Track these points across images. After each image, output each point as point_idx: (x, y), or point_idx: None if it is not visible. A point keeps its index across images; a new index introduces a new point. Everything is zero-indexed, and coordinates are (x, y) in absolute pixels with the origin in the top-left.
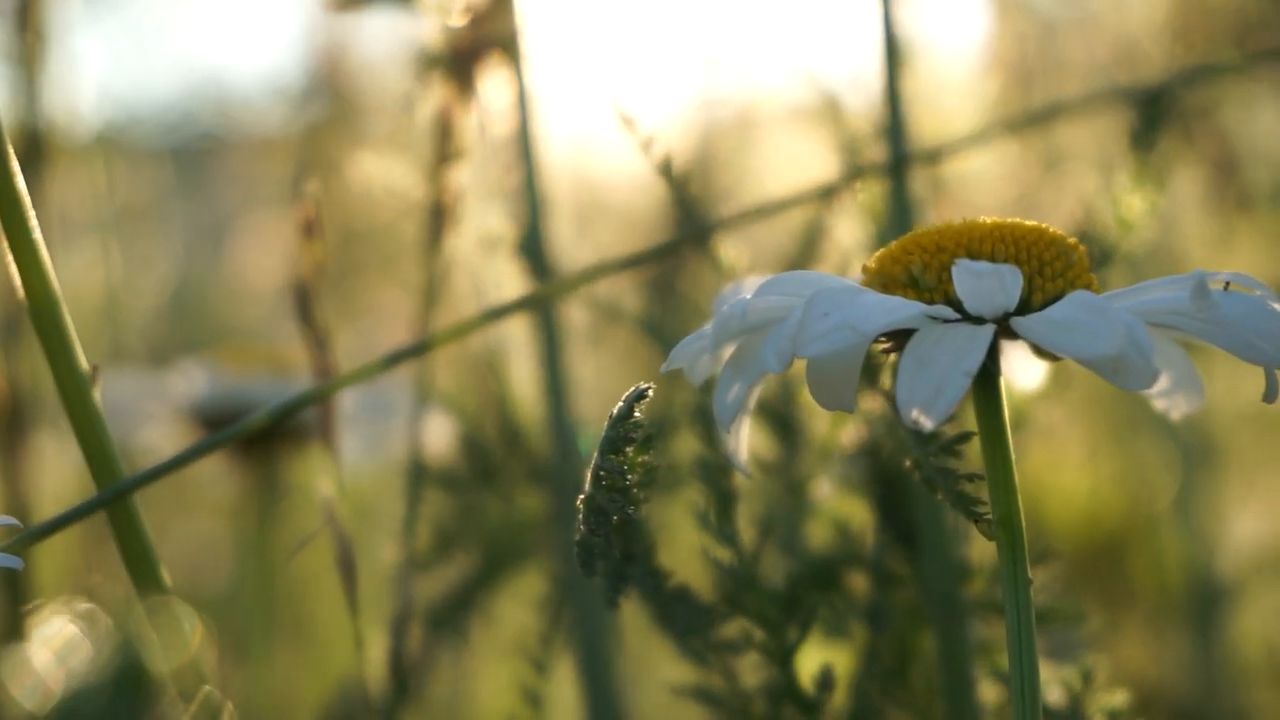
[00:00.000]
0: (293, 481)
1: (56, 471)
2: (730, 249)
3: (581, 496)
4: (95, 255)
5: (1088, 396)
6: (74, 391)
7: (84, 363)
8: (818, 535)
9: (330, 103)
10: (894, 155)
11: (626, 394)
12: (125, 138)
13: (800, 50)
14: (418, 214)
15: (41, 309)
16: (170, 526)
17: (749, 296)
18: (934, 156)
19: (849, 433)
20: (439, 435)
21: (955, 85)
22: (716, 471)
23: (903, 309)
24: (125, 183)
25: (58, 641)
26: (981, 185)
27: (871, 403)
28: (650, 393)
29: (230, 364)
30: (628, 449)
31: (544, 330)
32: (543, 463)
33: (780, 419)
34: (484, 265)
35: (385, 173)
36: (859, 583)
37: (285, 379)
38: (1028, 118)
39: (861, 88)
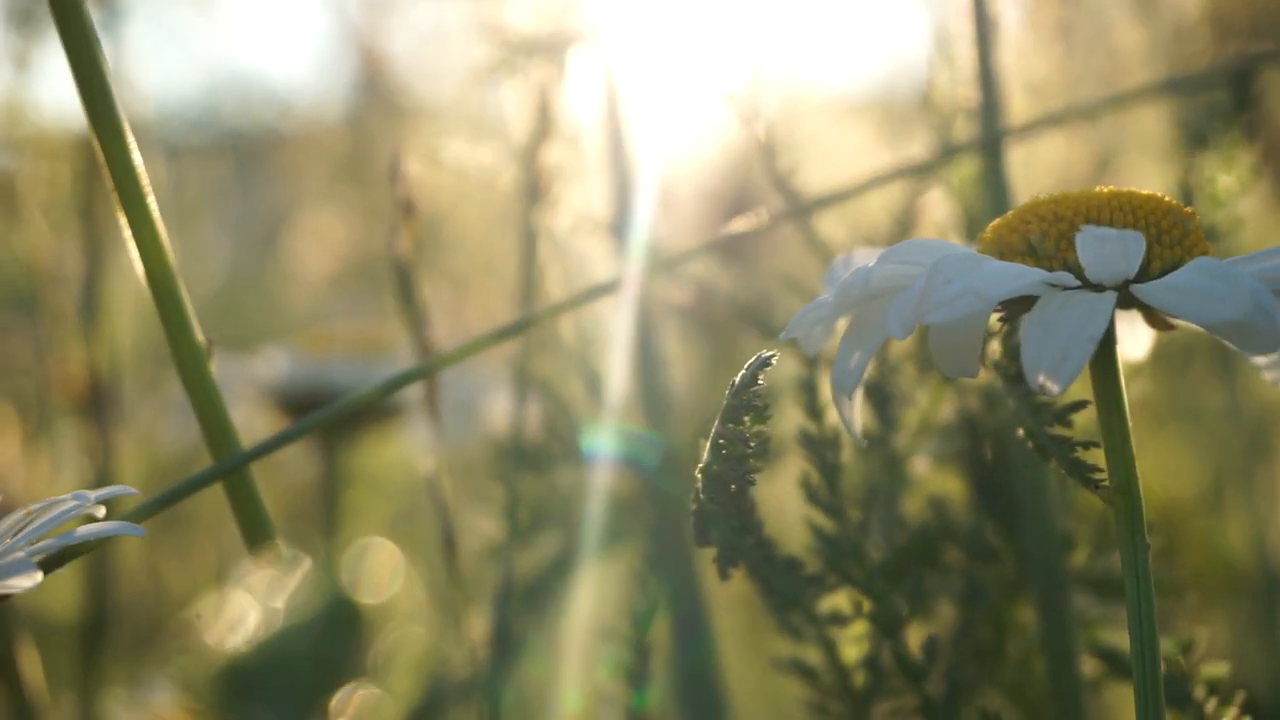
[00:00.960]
0: (363, 468)
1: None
2: (828, 226)
3: (700, 465)
4: None
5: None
6: (191, 363)
7: (200, 335)
8: (915, 511)
9: (374, 95)
10: (988, 132)
11: (749, 362)
12: (169, 135)
13: (848, 43)
14: (480, 203)
15: (159, 283)
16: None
17: (870, 264)
18: (1029, 133)
19: (946, 408)
20: (532, 416)
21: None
22: (821, 444)
23: (1026, 275)
24: (175, 177)
25: (261, 585)
26: (1037, 170)
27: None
28: (774, 361)
29: (309, 348)
30: (747, 417)
31: (635, 309)
32: (635, 442)
33: (878, 394)
34: (577, 245)
35: (473, 156)
36: (954, 558)
37: (364, 361)
38: (1111, 99)
39: (915, 74)
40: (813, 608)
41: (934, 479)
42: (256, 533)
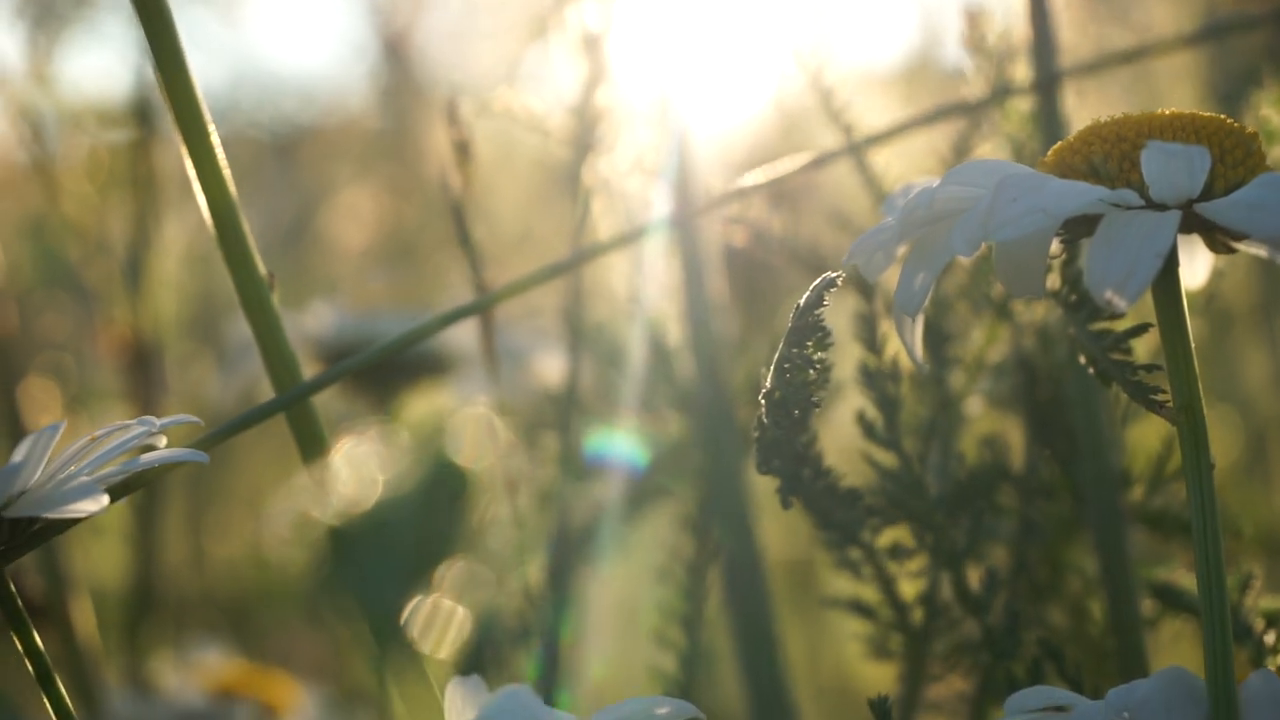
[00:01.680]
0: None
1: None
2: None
3: (763, 391)
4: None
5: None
6: (254, 298)
7: (262, 269)
8: (969, 451)
9: (401, 75)
10: (1043, 72)
11: (814, 283)
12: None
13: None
14: (514, 176)
15: (222, 217)
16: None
17: (935, 185)
18: (1084, 73)
19: (1000, 347)
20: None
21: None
22: (880, 377)
23: (1091, 191)
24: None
25: (361, 457)
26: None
27: (1025, 314)
28: (839, 282)
29: (354, 304)
30: (810, 342)
31: (685, 254)
32: (685, 387)
33: (932, 333)
34: (626, 193)
35: (523, 105)
36: (1008, 500)
37: (409, 315)
38: (1175, 40)
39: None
40: (872, 542)
41: (988, 418)
42: (320, 466)
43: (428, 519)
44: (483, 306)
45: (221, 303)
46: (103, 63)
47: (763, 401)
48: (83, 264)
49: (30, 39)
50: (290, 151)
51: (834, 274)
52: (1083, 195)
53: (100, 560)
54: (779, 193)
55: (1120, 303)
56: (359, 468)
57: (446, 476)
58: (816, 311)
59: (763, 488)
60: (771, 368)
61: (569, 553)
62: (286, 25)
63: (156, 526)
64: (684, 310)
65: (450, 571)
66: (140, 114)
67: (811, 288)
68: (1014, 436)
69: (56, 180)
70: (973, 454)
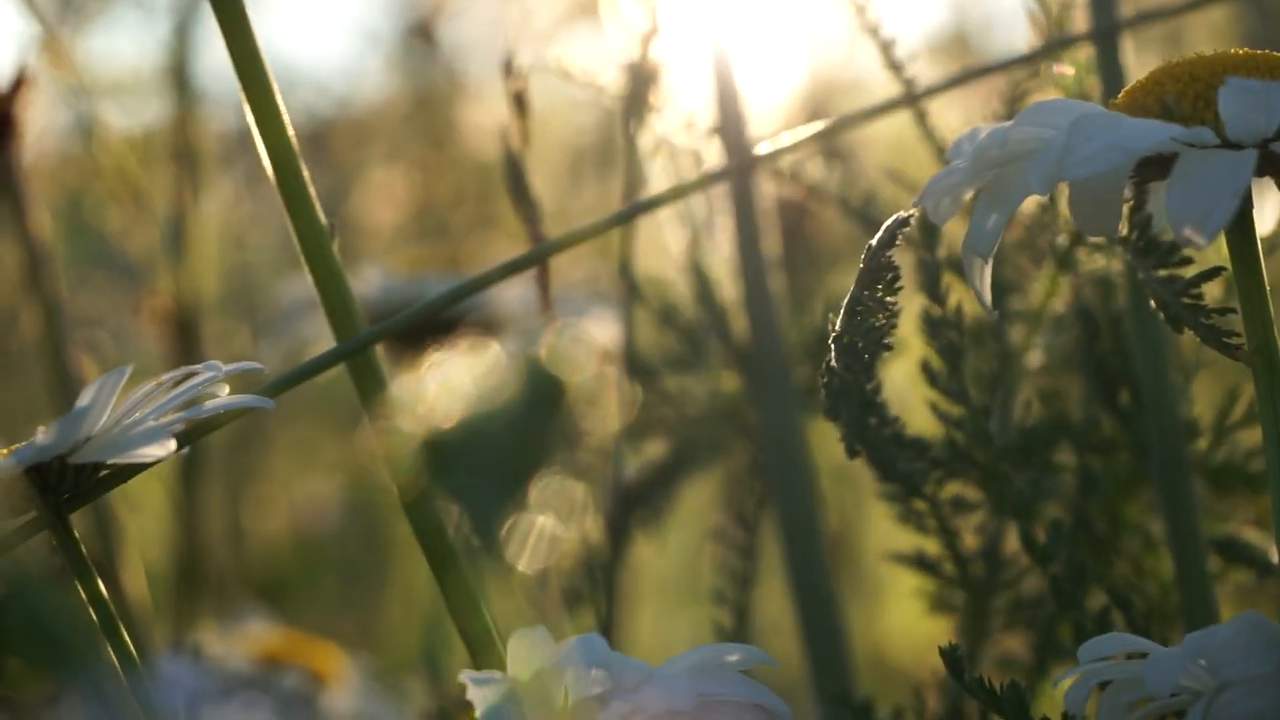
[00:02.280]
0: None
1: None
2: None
3: (832, 335)
4: (230, 196)
5: None
6: (315, 245)
7: (322, 218)
8: (1029, 405)
9: (431, 54)
10: (1102, 21)
11: (887, 222)
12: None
13: None
14: (550, 149)
15: (282, 164)
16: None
17: (1008, 125)
18: (1144, 22)
19: (1060, 301)
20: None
21: None
22: (944, 325)
23: (1167, 129)
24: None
25: (455, 368)
26: None
27: (1087, 265)
28: (912, 220)
29: (400, 267)
30: (882, 284)
31: (740, 211)
32: (740, 344)
33: (992, 285)
34: (681, 148)
35: (577, 61)
36: (1066, 458)
37: (454, 277)
38: None
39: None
40: (936, 493)
41: (1048, 372)
42: (379, 416)
43: (525, 429)
44: (541, 256)
45: (258, 279)
46: (138, 36)
47: (832, 345)
48: (122, 238)
49: (63, 11)
50: (320, 138)
51: (906, 213)
52: (1159, 132)
53: (143, 533)
54: (832, 150)
55: (1199, 239)
56: (451, 381)
57: (543, 387)
58: (888, 252)
59: (817, 445)
60: (841, 311)
61: (625, 509)
62: (305, 17)
63: (198, 501)
64: (739, 267)
65: (543, 487)
66: (178, 85)
67: (884, 227)
68: (1073, 391)
69: (95, 154)
70: (1033, 408)
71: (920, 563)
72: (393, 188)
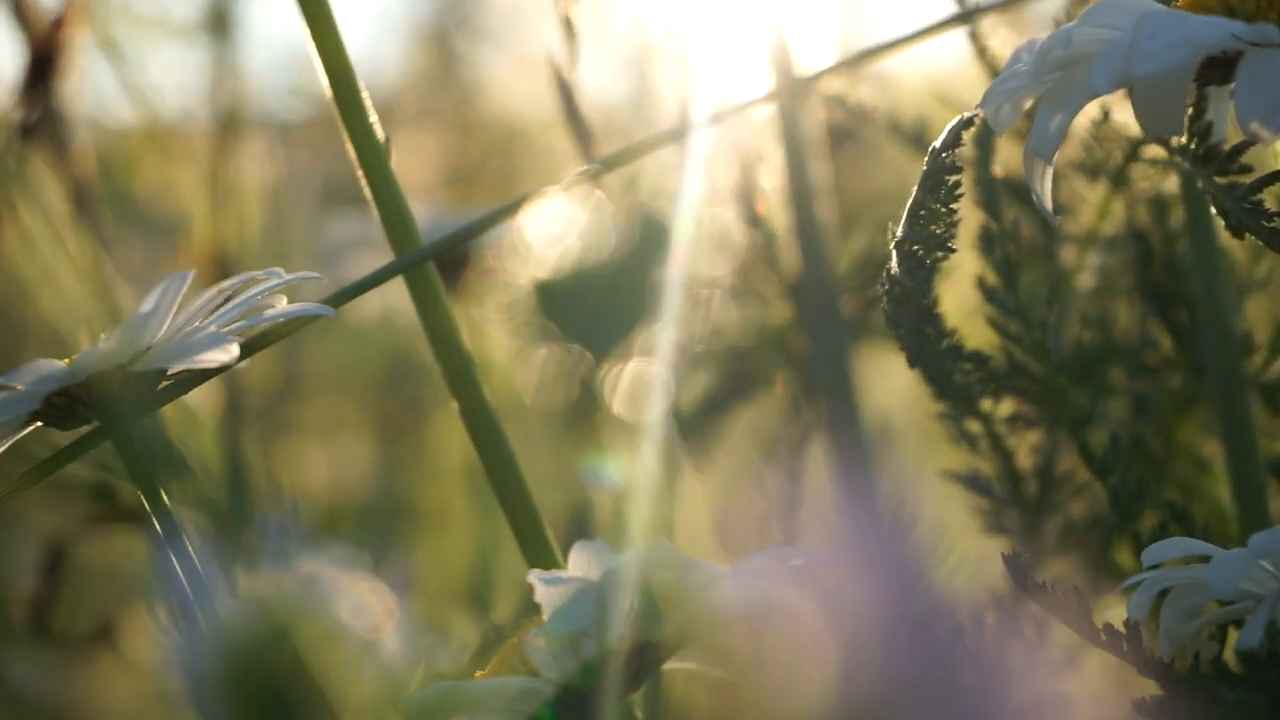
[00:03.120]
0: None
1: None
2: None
3: (894, 241)
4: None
5: None
6: (373, 160)
7: (380, 133)
8: (1080, 325)
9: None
10: None
11: (951, 123)
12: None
13: None
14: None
15: (340, 82)
16: None
17: (1071, 26)
18: None
19: (1113, 221)
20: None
21: None
22: (1000, 239)
23: (1232, 25)
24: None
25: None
26: None
27: (1143, 182)
28: (975, 120)
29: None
30: (944, 186)
31: (788, 138)
32: (789, 273)
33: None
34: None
35: None
36: (1118, 377)
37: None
38: None
39: None
40: (992, 411)
41: (1101, 293)
42: (440, 330)
43: (633, 274)
44: (595, 175)
45: (292, 233)
46: None
47: (894, 251)
48: (158, 195)
49: None
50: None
51: (969, 114)
52: (1224, 28)
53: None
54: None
55: (1266, 133)
56: (560, 230)
57: (649, 234)
58: (952, 152)
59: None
60: (904, 215)
61: (675, 435)
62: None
63: (238, 448)
64: (787, 195)
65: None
66: (217, 24)
67: (948, 128)
68: (1124, 314)
69: (135, 110)
70: (1085, 329)
71: (973, 483)
72: (420, 149)
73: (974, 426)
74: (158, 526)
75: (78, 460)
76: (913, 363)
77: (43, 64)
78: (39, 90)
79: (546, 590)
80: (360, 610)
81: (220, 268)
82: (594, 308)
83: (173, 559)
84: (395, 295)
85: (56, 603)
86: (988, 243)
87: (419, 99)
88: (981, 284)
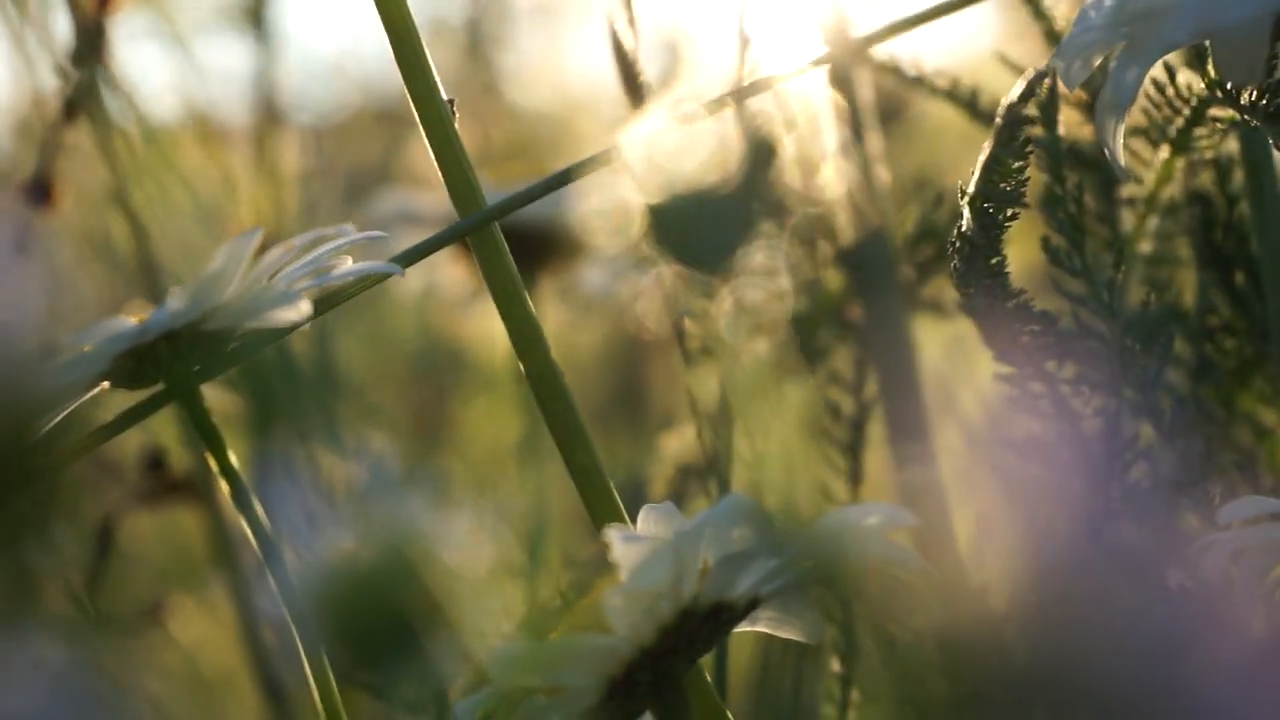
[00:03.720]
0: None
1: None
2: None
3: (967, 197)
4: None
5: None
6: (435, 118)
7: (443, 92)
8: (1141, 290)
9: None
10: None
11: (1028, 75)
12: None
13: None
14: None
15: (401, 37)
16: None
17: None
18: None
19: (1174, 186)
20: None
21: None
22: (1065, 201)
23: None
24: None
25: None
26: None
27: (1207, 144)
28: (1049, 74)
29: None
30: (1017, 138)
31: (844, 100)
32: (844, 240)
33: (1104, 172)
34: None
35: None
36: (1178, 344)
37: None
38: None
39: None
40: (1056, 373)
41: (1160, 261)
42: (506, 291)
43: (739, 196)
44: (655, 136)
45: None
46: None
47: (966, 208)
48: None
49: None
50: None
51: (1043, 68)
52: None
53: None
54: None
55: None
56: (664, 150)
57: (755, 155)
58: (1025, 106)
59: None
60: (977, 172)
61: (729, 405)
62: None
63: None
64: (843, 161)
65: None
66: (254, 20)
67: (1023, 82)
68: (1184, 280)
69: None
70: (1146, 295)
71: (1032, 450)
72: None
73: (1038, 388)
74: (231, 490)
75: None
76: (979, 322)
77: (89, 42)
78: (85, 68)
79: (625, 548)
80: (463, 550)
81: (260, 249)
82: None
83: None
84: (414, 285)
85: (105, 582)
86: (1051, 204)
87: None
88: (1046, 245)
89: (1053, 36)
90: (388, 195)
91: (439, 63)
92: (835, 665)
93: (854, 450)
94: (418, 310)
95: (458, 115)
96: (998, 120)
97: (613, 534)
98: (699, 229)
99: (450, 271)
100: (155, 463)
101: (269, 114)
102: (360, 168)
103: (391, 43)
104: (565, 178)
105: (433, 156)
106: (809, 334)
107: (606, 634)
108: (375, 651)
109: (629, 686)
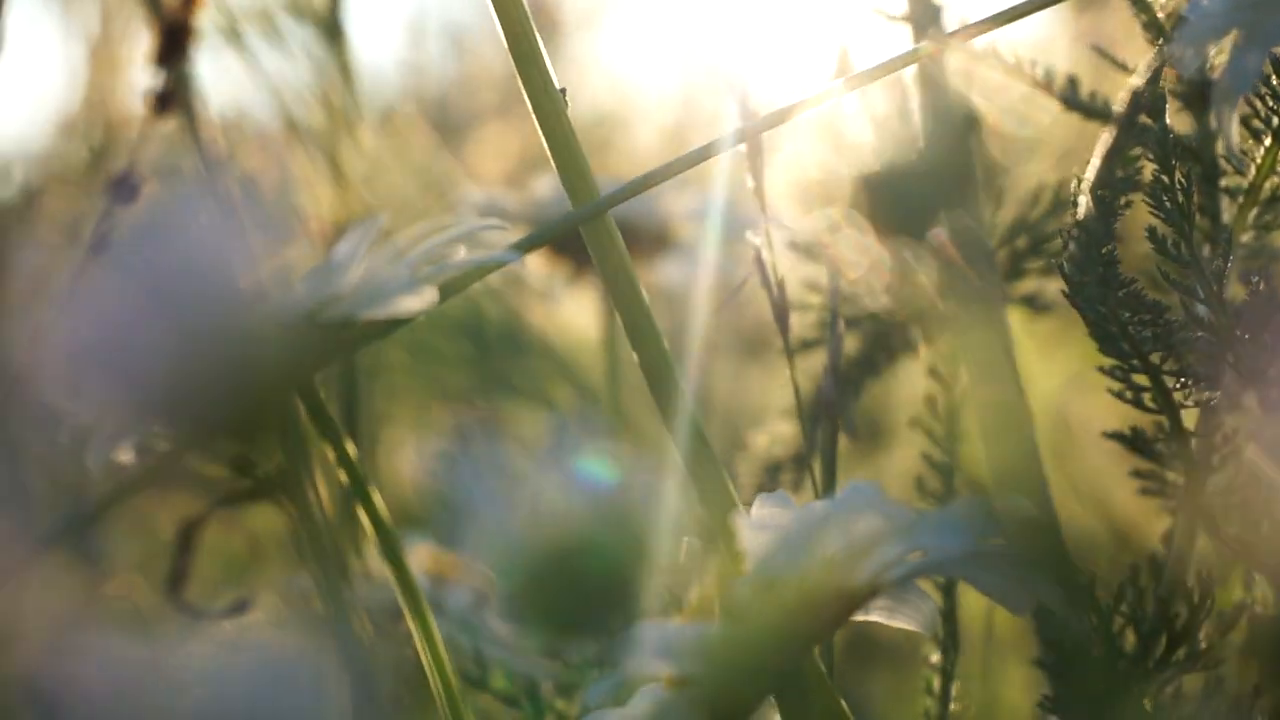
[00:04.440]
0: None
1: None
2: None
3: (1086, 182)
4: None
5: None
6: (549, 111)
7: (555, 81)
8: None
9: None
10: None
11: (1149, 62)
12: None
13: None
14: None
15: (513, 25)
16: None
17: None
18: None
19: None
20: None
21: None
22: (1172, 191)
23: None
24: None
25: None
26: None
27: None
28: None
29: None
30: (1139, 127)
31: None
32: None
33: (1205, 163)
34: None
35: None
36: None
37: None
38: None
39: None
40: (1160, 365)
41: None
42: (619, 279)
43: (945, 161)
44: (754, 133)
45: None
46: None
47: (1083, 196)
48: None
49: None
50: (442, 100)
51: (1165, 56)
52: None
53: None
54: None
55: None
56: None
57: (956, 121)
58: (1154, 92)
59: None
60: (1097, 159)
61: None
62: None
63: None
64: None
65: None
66: (330, 28)
67: (1148, 67)
68: None
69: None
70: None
71: (1135, 442)
72: (499, 142)
73: (1141, 380)
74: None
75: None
76: (1091, 311)
77: (173, 39)
78: (170, 65)
79: (753, 535)
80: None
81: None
82: (914, 198)
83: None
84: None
85: (190, 582)
86: (1158, 195)
87: (497, 96)
88: (1153, 235)
89: (1154, 27)
90: (471, 191)
91: (491, 65)
92: (934, 657)
93: (950, 443)
94: (496, 298)
95: (569, 104)
96: (1120, 108)
97: (739, 521)
98: (910, 197)
99: (530, 263)
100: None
101: (344, 111)
102: (422, 168)
103: (507, 38)
104: (681, 166)
105: (546, 147)
106: (895, 326)
107: (734, 621)
108: (576, 616)
109: (752, 676)
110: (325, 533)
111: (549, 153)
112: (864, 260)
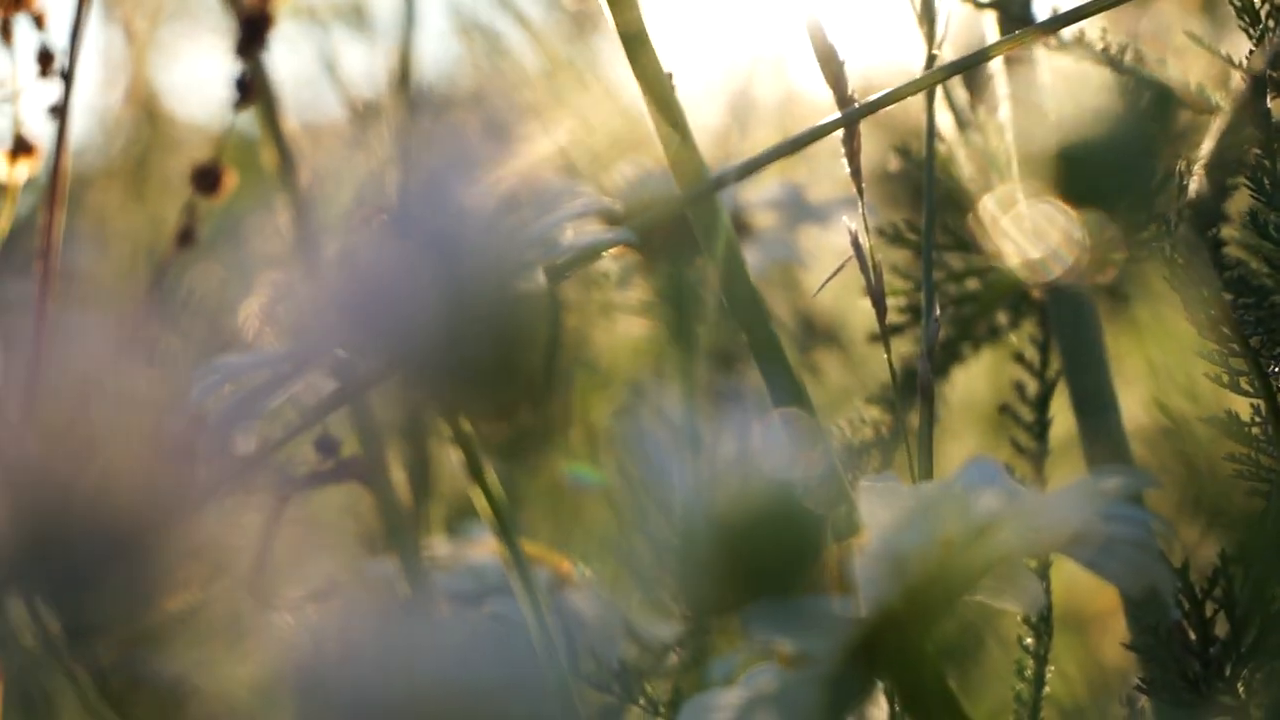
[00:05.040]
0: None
1: None
2: None
3: (1201, 163)
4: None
5: None
6: (659, 92)
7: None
8: None
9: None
10: None
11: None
12: None
13: None
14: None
15: (626, 18)
16: None
17: None
18: None
19: None
20: None
21: None
22: (1274, 174)
23: None
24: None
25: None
26: None
27: None
28: None
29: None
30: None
31: (1019, 84)
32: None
33: None
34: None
35: None
36: None
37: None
38: None
39: None
40: (1260, 349)
41: None
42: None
43: (1139, 137)
44: (851, 120)
45: None
46: None
47: (1198, 174)
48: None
49: None
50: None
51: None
52: None
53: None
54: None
55: None
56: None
57: (1148, 95)
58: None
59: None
60: (1213, 139)
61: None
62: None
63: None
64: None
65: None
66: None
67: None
68: None
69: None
70: None
71: (1231, 423)
72: (552, 132)
73: (1239, 364)
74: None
75: None
76: (1202, 293)
77: (253, 29)
78: (249, 54)
79: (875, 510)
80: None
81: None
82: (1114, 173)
83: None
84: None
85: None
86: (1259, 179)
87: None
88: (1254, 220)
89: (1249, 12)
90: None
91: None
92: (1027, 638)
93: (1040, 431)
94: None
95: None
96: (1237, 88)
97: (861, 494)
98: (1109, 172)
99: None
100: (330, 444)
101: (410, 100)
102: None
103: (616, 23)
104: (795, 145)
105: (654, 129)
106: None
107: (848, 597)
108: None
109: (870, 655)
110: (404, 516)
111: (656, 135)
112: (1054, 233)
